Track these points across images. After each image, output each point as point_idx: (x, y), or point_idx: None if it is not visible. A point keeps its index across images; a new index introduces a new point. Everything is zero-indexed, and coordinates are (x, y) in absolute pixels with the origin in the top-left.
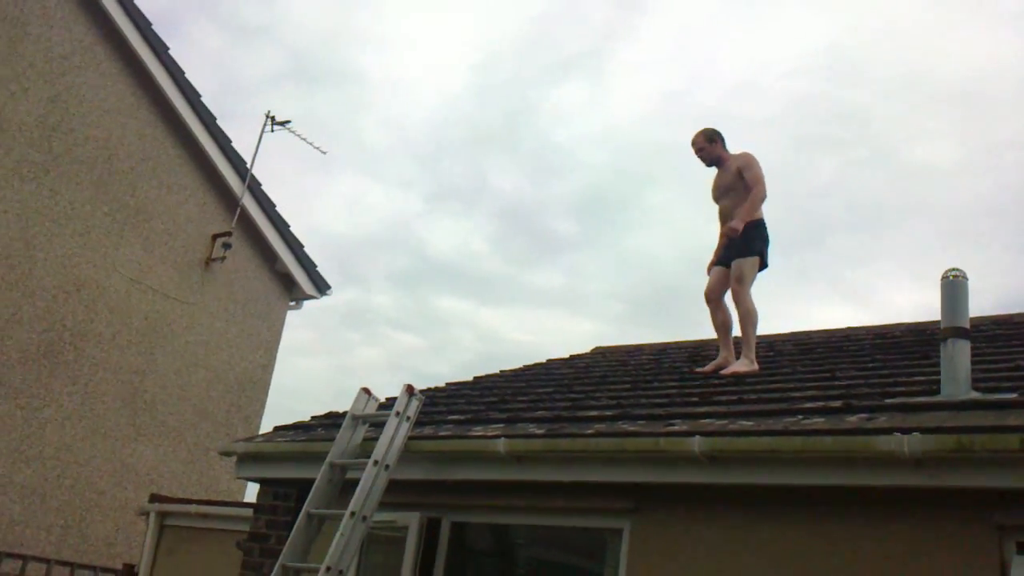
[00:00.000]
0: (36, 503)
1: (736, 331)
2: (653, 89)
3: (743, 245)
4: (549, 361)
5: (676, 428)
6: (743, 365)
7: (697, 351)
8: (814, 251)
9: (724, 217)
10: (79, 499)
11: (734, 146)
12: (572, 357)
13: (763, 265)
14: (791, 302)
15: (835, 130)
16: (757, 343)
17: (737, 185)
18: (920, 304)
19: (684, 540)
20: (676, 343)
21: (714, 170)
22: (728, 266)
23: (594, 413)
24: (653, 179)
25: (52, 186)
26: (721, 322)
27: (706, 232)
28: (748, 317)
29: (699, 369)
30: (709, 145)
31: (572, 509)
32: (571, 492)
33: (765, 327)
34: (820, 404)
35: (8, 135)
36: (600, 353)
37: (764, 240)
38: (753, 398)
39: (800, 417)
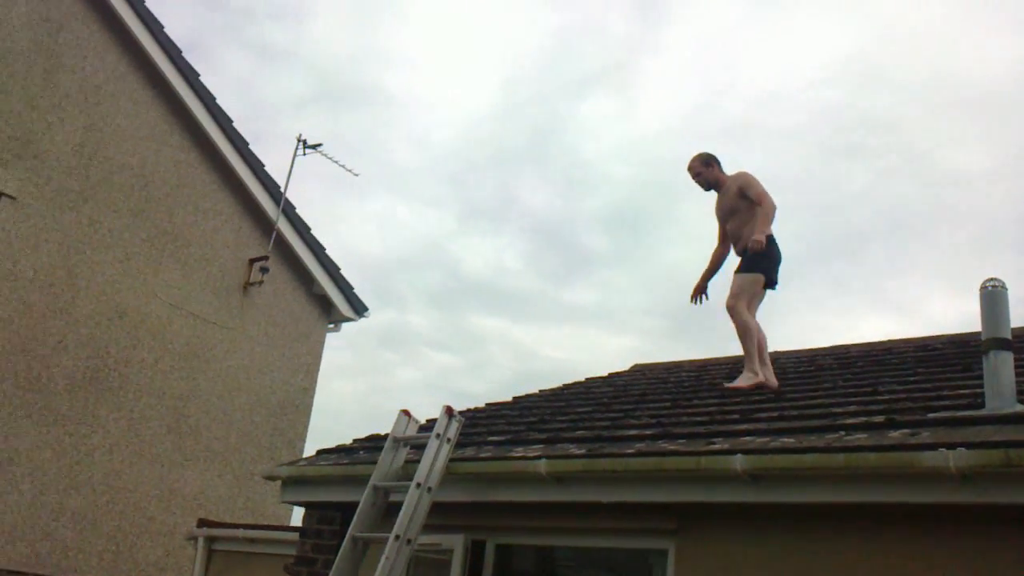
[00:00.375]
0: (87, 529)
1: (755, 346)
2: (679, 101)
3: (747, 262)
4: (588, 380)
5: (717, 446)
6: (744, 380)
7: (737, 367)
8: (851, 262)
9: (733, 238)
10: (129, 524)
11: (764, 156)
12: (611, 375)
13: (770, 284)
14: (830, 315)
15: (864, 138)
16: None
17: (739, 205)
18: (964, 313)
19: (730, 560)
20: (716, 359)
21: (713, 194)
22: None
23: (634, 432)
24: (685, 192)
25: (91, 214)
26: (756, 342)
27: None
28: (745, 330)
29: (728, 385)
30: (706, 169)
31: (616, 530)
32: (614, 512)
33: (806, 341)
34: (862, 420)
35: (47, 164)
36: (639, 370)
37: (771, 258)
38: (794, 414)
39: (842, 433)
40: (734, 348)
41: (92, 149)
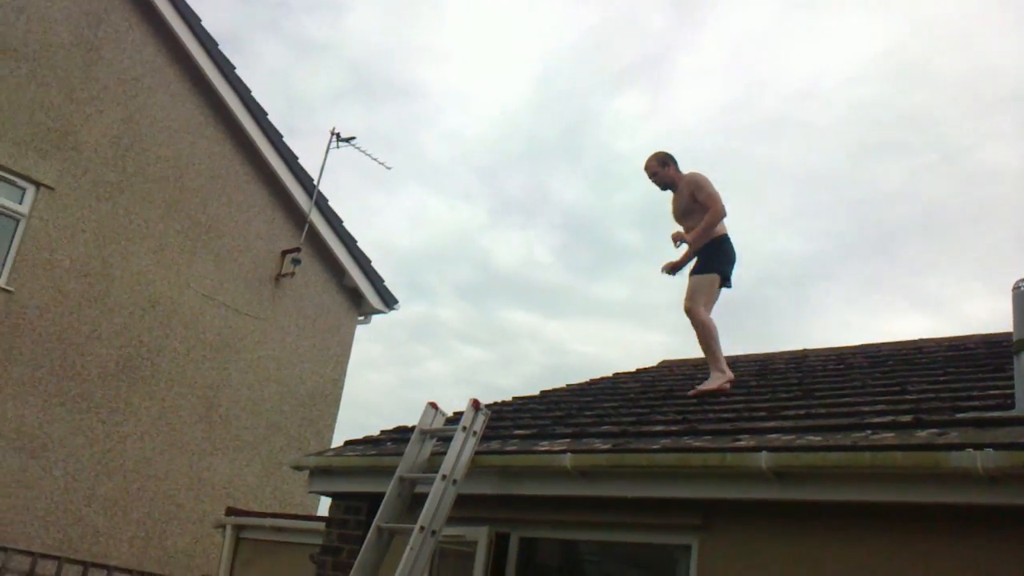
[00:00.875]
0: (119, 515)
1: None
2: (713, 96)
3: (701, 263)
4: (616, 375)
5: (743, 443)
6: (712, 382)
7: (765, 364)
8: (884, 260)
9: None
10: (159, 511)
11: (799, 153)
12: (639, 371)
13: (726, 282)
14: (862, 313)
15: (900, 135)
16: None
17: (693, 206)
18: (999, 312)
19: (754, 558)
20: (744, 356)
21: (670, 194)
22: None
23: (660, 428)
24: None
25: (127, 205)
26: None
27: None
28: (705, 331)
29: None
30: (662, 169)
31: (640, 525)
32: (638, 508)
33: (836, 339)
34: (890, 419)
35: (84, 156)
36: (667, 367)
37: (726, 257)
38: (822, 412)
39: (869, 432)
40: (761, 346)
41: (129, 141)
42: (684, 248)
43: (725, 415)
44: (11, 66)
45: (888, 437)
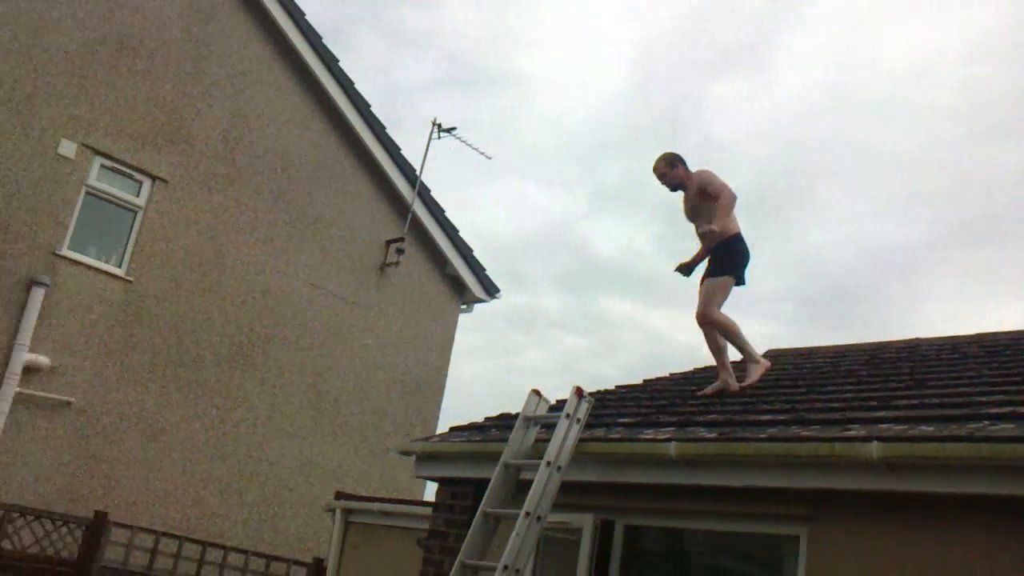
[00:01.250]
0: (233, 497)
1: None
2: (818, 79)
3: (716, 265)
4: None
5: (853, 433)
6: (755, 374)
7: (877, 353)
8: (1001, 247)
9: (700, 239)
10: (271, 494)
11: (906, 135)
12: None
13: (740, 282)
14: (977, 302)
15: (1014, 116)
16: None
17: (702, 204)
18: None
19: (865, 548)
20: (854, 345)
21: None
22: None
23: (767, 417)
24: (824, 173)
25: (237, 197)
26: (717, 345)
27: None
28: (730, 330)
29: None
30: (671, 171)
31: (746, 514)
32: (745, 497)
33: (948, 328)
34: (1009, 409)
35: (196, 149)
36: (773, 356)
37: (740, 257)
38: (935, 402)
39: (986, 423)
40: (877, 335)
41: (238, 134)
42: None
43: (834, 404)
44: (128, 63)
45: (1007, 428)
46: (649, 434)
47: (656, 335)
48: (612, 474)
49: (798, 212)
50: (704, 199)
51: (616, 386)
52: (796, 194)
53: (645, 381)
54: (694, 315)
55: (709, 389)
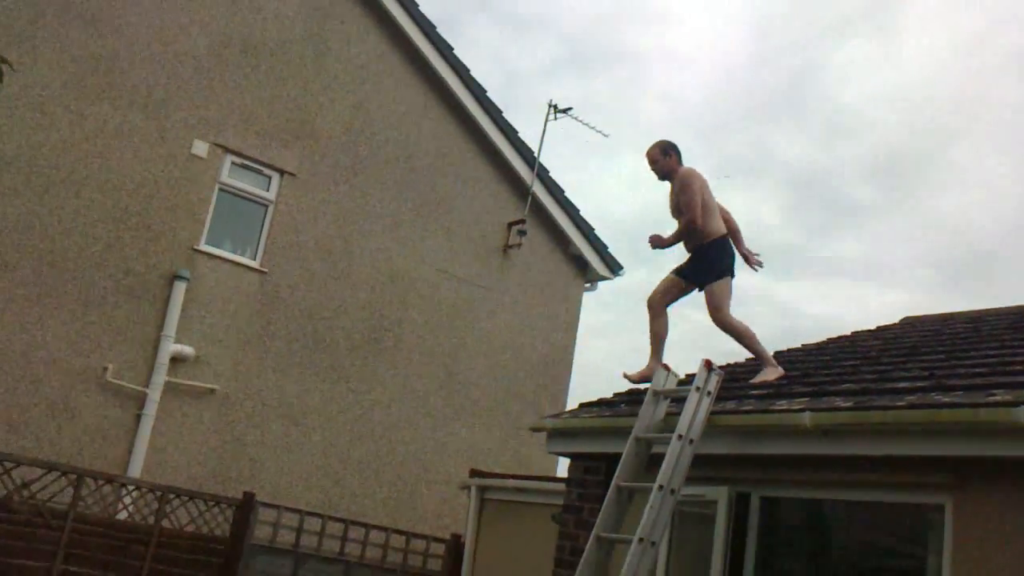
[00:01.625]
0: (371, 477)
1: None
2: (949, 37)
3: (709, 268)
4: (854, 333)
5: (998, 398)
6: (771, 373)
7: (1020, 317)
8: None
9: (681, 236)
10: (407, 474)
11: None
12: (879, 328)
13: (733, 275)
14: None
15: None
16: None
17: (681, 204)
18: None
19: (1016, 516)
20: (995, 310)
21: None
22: (684, 276)
23: (904, 384)
24: (959, 135)
25: (362, 187)
26: (656, 332)
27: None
28: (744, 335)
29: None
30: (663, 158)
31: (886, 483)
32: (884, 466)
33: None
34: None
35: (321, 143)
36: (909, 323)
37: (730, 255)
38: None
39: None
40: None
41: (360, 126)
42: (673, 231)
43: (977, 370)
44: (252, 63)
45: None
46: (782, 405)
47: (785, 308)
48: (746, 446)
49: (931, 175)
50: (682, 196)
51: (747, 359)
52: (928, 157)
53: (775, 353)
54: (711, 319)
55: (635, 374)
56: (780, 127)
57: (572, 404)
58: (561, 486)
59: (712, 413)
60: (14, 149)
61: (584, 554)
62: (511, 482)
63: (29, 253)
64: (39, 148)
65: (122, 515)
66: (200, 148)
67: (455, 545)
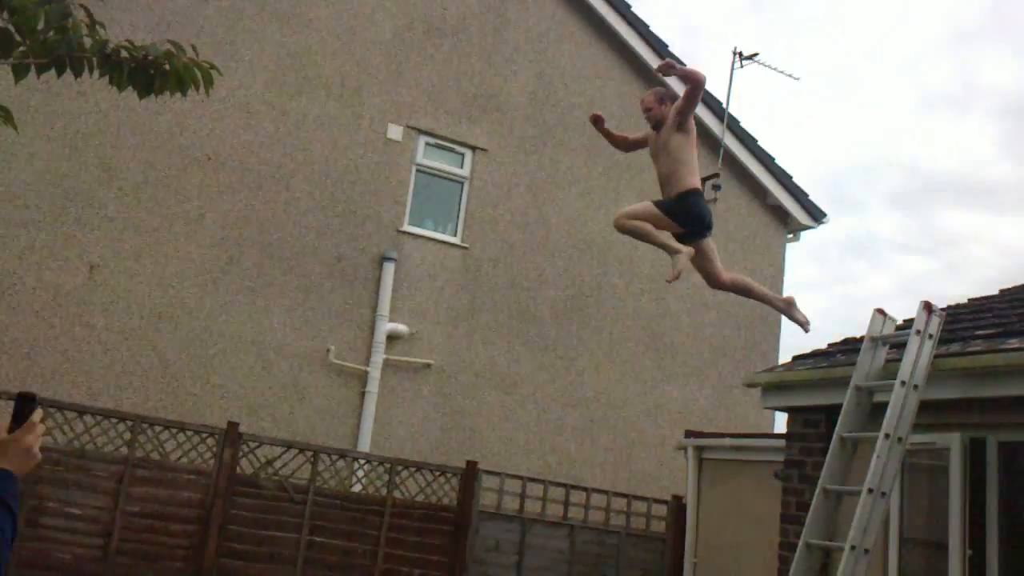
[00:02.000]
0: (587, 442)
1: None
2: None
3: (695, 219)
4: None
5: None
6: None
7: None
8: None
9: (661, 182)
10: (622, 437)
11: None
12: None
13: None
14: None
15: None
16: None
17: (670, 141)
18: None
19: None
20: None
21: None
22: (661, 207)
23: None
24: None
25: (551, 155)
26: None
27: None
28: (747, 280)
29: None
30: (659, 106)
31: None
32: None
33: None
34: None
35: (508, 115)
36: None
37: (705, 208)
38: None
39: None
40: None
41: (544, 95)
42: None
43: None
44: (436, 44)
45: None
46: (1014, 343)
47: (1008, 246)
48: (976, 389)
49: None
50: (673, 134)
51: (969, 299)
52: None
53: (1002, 291)
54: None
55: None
56: (988, 52)
57: (784, 360)
58: (779, 442)
59: (936, 357)
60: (227, 149)
61: (811, 508)
62: (728, 441)
63: (250, 247)
64: (248, 146)
65: (356, 488)
66: (395, 132)
67: (677, 506)
